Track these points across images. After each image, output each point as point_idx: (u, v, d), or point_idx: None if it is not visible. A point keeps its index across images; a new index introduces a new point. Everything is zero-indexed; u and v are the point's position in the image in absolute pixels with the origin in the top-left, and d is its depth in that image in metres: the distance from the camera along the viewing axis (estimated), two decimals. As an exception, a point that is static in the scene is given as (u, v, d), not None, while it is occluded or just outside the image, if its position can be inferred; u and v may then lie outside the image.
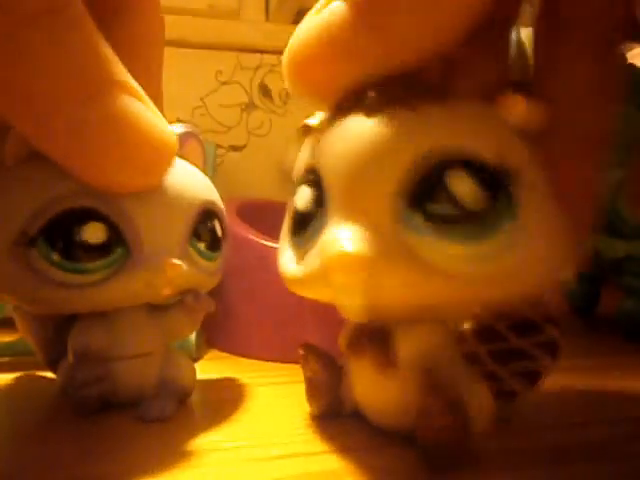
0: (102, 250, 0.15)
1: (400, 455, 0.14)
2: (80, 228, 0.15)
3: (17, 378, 0.21)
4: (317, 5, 0.13)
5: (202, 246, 0.17)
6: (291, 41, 0.14)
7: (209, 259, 0.18)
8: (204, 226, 0.17)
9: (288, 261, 0.15)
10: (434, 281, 0.12)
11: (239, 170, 0.42)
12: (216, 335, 0.28)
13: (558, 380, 0.17)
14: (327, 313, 0.15)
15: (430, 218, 0.12)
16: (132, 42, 0.16)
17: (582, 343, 0.27)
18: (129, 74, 0.14)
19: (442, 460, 0.13)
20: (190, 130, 0.18)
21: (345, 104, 0.14)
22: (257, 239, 0.26)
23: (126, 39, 0.16)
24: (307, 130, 0.16)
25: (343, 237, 0.12)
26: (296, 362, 0.23)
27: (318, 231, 0.14)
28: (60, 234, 0.15)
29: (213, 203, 0.18)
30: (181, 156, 0.17)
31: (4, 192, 0.15)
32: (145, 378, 0.17)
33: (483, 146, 0.12)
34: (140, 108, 0.14)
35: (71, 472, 0.13)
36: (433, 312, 0.14)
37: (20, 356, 0.24)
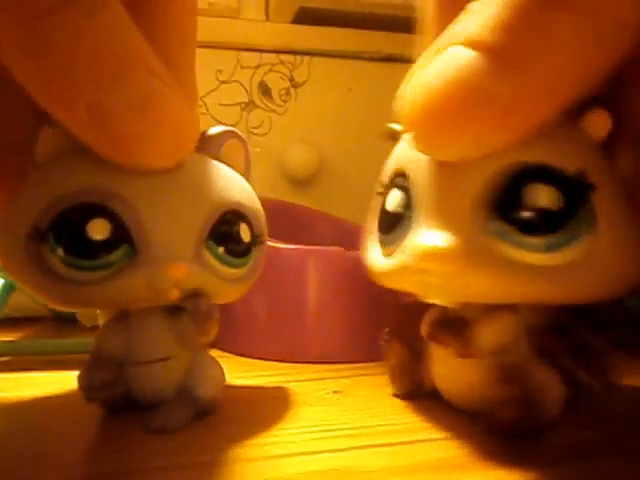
0: (106, 247, 0.14)
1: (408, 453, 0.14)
2: (84, 224, 0.14)
3: (17, 378, 0.21)
4: (427, 55, 0.13)
5: (221, 250, 0.16)
6: (413, 90, 0.13)
7: (230, 265, 0.17)
8: (226, 228, 0.16)
9: (376, 256, 0.17)
10: (510, 283, 0.13)
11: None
12: (217, 334, 0.28)
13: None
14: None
15: (511, 227, 0.13)
16: (163, 25, 0.16)
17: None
18: (155, 57, 0.14)
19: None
20: (230, 129, 0.17)
21: None
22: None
23: (156, 22, 0.16)
24: (393, 135, 0.17)
25: (433, 236, 0.13)
26: (296, 362, 0.23)
27: (406, 232, 0.15)
28: (66, 229, 0.14)
29: (240, 205, 0.17)
30: (217, 156, 0.17)
31: (27, 187, 0.15)
32: (163, 384, 0.17)
33: (564, 161, 0.13)
34: (164, 92, 0.14)
35: (70, 472, 0.13)
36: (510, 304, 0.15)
37: (20, 356, 0.24)
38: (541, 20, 0.11)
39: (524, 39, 0.11)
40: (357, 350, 0.24)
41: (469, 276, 0.13)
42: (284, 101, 0.43)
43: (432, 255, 0.13)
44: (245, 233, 0.17)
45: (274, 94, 0.42)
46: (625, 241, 0.13)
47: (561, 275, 0.13)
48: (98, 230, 0.14)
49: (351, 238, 0.22)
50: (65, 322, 0.32)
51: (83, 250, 0.14)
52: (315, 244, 0.27)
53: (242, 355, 0.26)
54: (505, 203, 0.13)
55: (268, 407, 0.18)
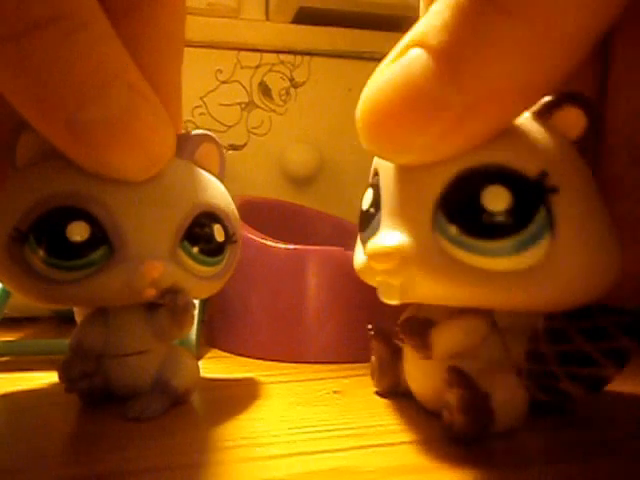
0: (85, 248, 0.15)
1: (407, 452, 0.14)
2: (64, 226, 0.15)
3: (17, 378, 0.21)
4: (392, 53, 0.12)
5: (196, 250, 0.17)
6: (367, 92, 0.13)
7: (204, 264, 0.17)
8: (200, 229, 0.17)
9: (358, 254, 0.17)
10: (464, 288, 0.13)
11: (239, 169, 0.42)
12: (216, 334, 0.28)
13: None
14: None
15: (466, 231, 0.13)
16: (151, 36, 0.16)
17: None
18: (138, 71, 0.14)
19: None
20: (204, 133, 0.18)
21: None
22: (257, 238, 0.26)
23: (145, 33, 0.16)
24: None
25: (387, 236, 0.13)
26: (296, 361, 0.23)
27: (375, 231, 0.15)
28: (46, 231, 0.15)
29: (214, 207, 0.18)
30: (193, 159, 0.18)
31: (9, 190, 0.16)
32: (140, 376, 0.17)
33: (525, 162, 0.12)
34: (142, 105, 0.14)
35: (70, 471, 0.13)
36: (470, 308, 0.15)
37: (20, 356, 0.24)
38: (480, 22, 0.11)
39: (467, 42, 0.11)
40: (357, 350, 0.24)
41: (421, 279, 0.13)
42: (284, 101, 0.43)
43: (381, 256, 0.13)
44: (219, 233, 0.18)
45: (274, 94, 0.42)
46: (588, 247, 0.12)
47: (517, 280, 0.12)
48: (77, 232, 0.15)
49: (351, 238, 0.22)
50: (65, 322, 0.32)
51: (63, 251, 0.15)
52: (315, 244, 0.27)
53: (242, 355, 0.26)
54: (456, 205, 0.13)
55: (268, 407, 0.18)
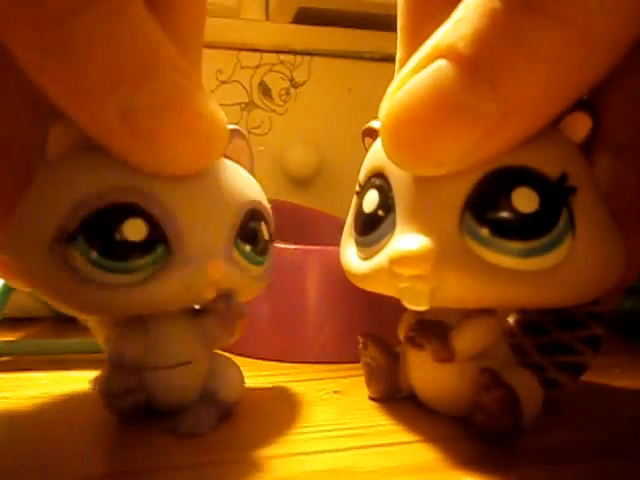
0: (143, 248, 0.14)
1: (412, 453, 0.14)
2: (120, 224, 0.14)
3: (17, 378, 0.21)
4: (413, 62, 0.12)
5: (247, 248, 0.16)
6: (393, 103, 0.12)
7: (254, 262, 0.17)
8: (250, 227, 0.16)
9: (352, 257, 0.16)
10: (495, 289, 0.13)
11: (239, 169, 0.42)
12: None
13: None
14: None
15: (498, 233, 0.13)
16: (176, 20, 0.16)
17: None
18: (179, 53, 0.13)
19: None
20: (235, 128, 0.17)
21: None
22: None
23: (177, 17, 0.15)
24: (371, 133, 0.16)
25: (410, 240, 0.13)
26: (296, 361, 0.23)
27: (387, 234, 0.14)
28: (99, 231, 0.14)
29: (259, 203, 0.17)
30: (225, 155, 0.17)
31: (43, 187, 0.14)
32: (185, 388, 0.16)
33: (547, 164, 0.13)
34: (191, 89, 0.13)
35: (70, 472, 0.13)
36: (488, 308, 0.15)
37: (20, 356, 0.24)
38: (514, 27, 0.11)
39: (502, 50, 0.11)
40: (357, 350, 0.24)
41: (448, 281, 0.13)
42: (284, 101, 0.43)
43: (408, 260, 0.13)
44: (265, 231, 0.17)
45: (274, 94, 0.42)
46: (603, 243, 0.13)
47: (541, 280, 0.13)
48: (135, 230, 0.14)
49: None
50: (65, 322, 0.32)
51: (119, 251, 0.14)
52: (315, 244, 0.27)
53: (242, 355, 0.26)
54: (487, 207, 0.13)
55: (268, 407, 0.18)
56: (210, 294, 0.15)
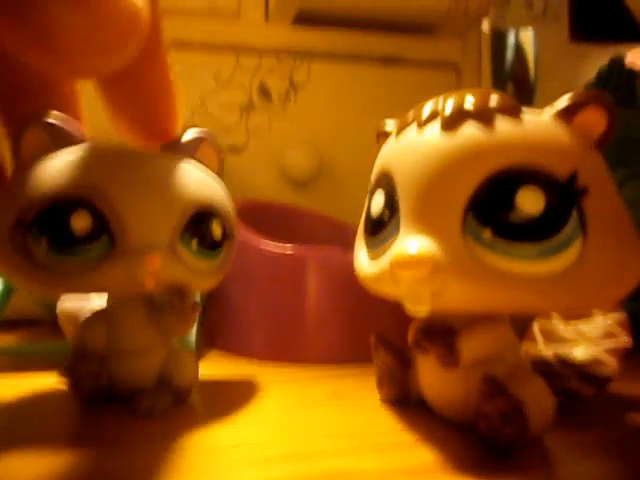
0: (88, 238, 0.16)
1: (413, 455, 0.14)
2: (68, 217, 0.16)
3: (17, 378, 0.21)
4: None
5: (194, 243, 0.17)
6: None
7: (203, 258, 0.18)
8: (199, 225, 0.18)
9: (363, 259, 0.16)
10: (499, 293, 0.13)
11: (238, 171, 0.42)
12: (217, 335, 0.28)
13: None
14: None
15: (500, 234, 0.12)
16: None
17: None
18: None
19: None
20: (203, 131, 0.19)
21: (421, 117, 0.14)
22: (257, 240, 0.26)
23: None
24: (383, 136, 0.16)
25: (414, 243, 0.13)
26: (295, 362, 0.23)
27: (392, 235, 0.14)
28: (49, 222, 0.16)
29: (213, 203, 0.18)
30: (194, 157, 0.18)
31: (11, 184, 0.16)
32: (143, 373, 0.18)
33: (556, 163, 0.12)
34: None
35: (70, 470, 0.13)
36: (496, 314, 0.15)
37: (20, 356, 0.24)
38: None
39: None
40: (357, 351, 0.24)
41: (448, 284, 0.13)
42: (283, 102, 0.43)
43: (407, 263, 0.13)
44: (217, 229, 0.18)
45: (273, 95, 0.42)
46: (617, 246, 0.13)
47: (552, 283, 0.12)
48: (80, 222, 0.16)
49: (350, 239, 0.22)
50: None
51: (65, 241, 0.16)
52: (315, 245, 0.27)
53: (242, 356, 0.26)
54: (489, 208, 0.12)
55: (267, 408, 0.18)
56: (150, 284, 0.16)
